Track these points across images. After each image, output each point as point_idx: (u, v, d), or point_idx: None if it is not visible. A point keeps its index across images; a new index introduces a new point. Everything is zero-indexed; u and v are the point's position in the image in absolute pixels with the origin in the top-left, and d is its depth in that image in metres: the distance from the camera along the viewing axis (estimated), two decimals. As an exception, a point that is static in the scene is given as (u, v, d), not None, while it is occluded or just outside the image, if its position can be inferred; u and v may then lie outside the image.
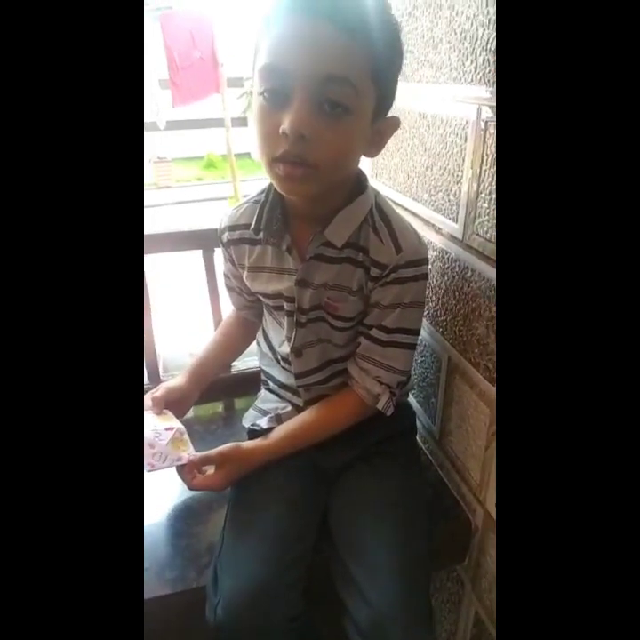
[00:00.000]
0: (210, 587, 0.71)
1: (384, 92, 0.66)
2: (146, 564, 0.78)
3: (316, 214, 0.74)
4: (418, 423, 1.01)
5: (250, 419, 0.93)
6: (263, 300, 0.84)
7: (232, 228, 0.83)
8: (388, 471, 0.82)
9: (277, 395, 0.92)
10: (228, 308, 1.10)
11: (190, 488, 0.78)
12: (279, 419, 0.87)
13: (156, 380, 1.18)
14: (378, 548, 0.70)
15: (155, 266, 1.26)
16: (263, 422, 0.87)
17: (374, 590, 0.66)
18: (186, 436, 0.82)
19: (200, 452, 0.80)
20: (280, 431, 0.82)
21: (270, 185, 0.77)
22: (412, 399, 1.08)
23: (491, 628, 0.88)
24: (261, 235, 0.77)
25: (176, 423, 0.82)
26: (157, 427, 0.80)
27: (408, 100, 0.92)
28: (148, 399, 0.85)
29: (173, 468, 0.78)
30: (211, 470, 0.79)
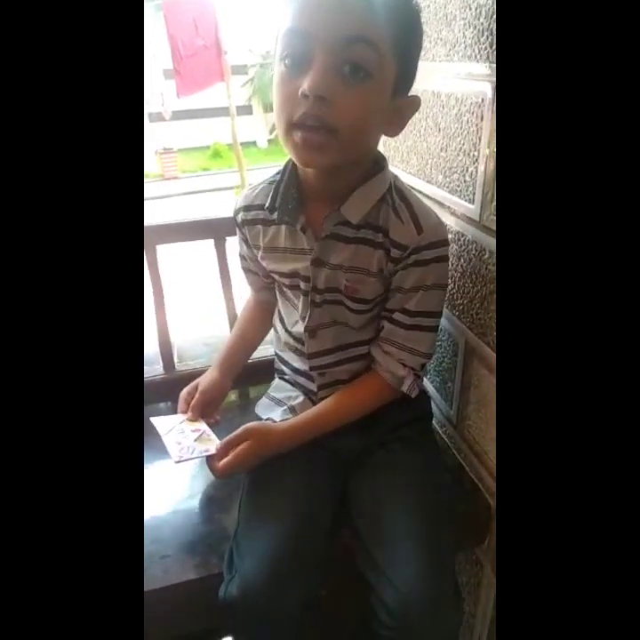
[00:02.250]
0: (225, 566, 0.72)
1: (405, 67, 0.66)
2: (169, 551, 0.79)
3: (332, 192, 0.73)
4: (434, 408, 1.01)
5: (263, 407, 0.93)
6: (279, 279, 0.84)
7: (247, 208, 0.83)
8: (407, 455, 0.81)
9: (291, 383, 0.92)
10: (240, 296, 1.10)
11: (218, 476, 0.78)
12: (293, 410, 0.87)
13: (171, 370, 1.18)
14: (400, 531, 0.70)
15: (167, 256, 1.26)
16: (277, 415, 0.87)
17: (399, 573, 0.66)
18: (213, 435, 0.83)
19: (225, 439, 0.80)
20: (306, 414, 0.82)
21: (287, 163, 0.76)
22: (427, 383, 1.08)
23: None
24: (276, 214, 0.77)
25: (203, 426, 0.85)
26: (185, 430, 0.82)
27: (421, 79, 0.90)
28: (183, 404, 0.88)
29: (196, 461, 0.79)
30: None
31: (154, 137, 9.39)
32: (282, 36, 0.62)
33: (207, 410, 0.89)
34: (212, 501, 0.88)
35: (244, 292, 1.04)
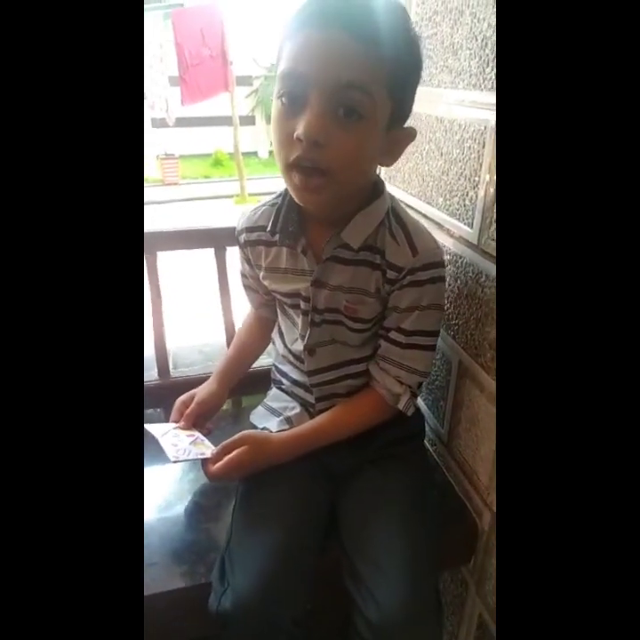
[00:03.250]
0: (216, 577, 0.72)
1: (400, 102, 0.67)
2: (156, 559, 0.79)
3: (332, 219, 0.75)
4: (426, 425, 1.02)
5: (258, 416, 0.94)
6: (280, 298, 0.85)
7: (250, 229, 0.84)
8: (397, 473, 0.82)
9: (288, 394, 0.92)
10: (238, 305, 1.12)
11: (212, 479, 0.79)
12: (289, 421, 0.87)
13: (166, 376, 1.19)
14: (386, 548, 0.71)
15: (166, 263, 1.27)
16: (273, 425, 0.88)
17: (383, 589, 0.67)
18: (207, 441, 0.85)
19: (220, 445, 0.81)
20: (303, 428, 0.83)
21: (286, 190, 0.78)
22: (420, 402, 1.09)
23: (494, 630, 0.88)
24: (277, 237, 0.79)
25: (196, 433, 0.86)
26: (179, 434, 0.84)
27: (425, 104, 0.93)
28: (176, 414, 0.90)
29: (182, 467, 0.80)
30: None
31: (156, 142, 9.44)
32: (279, 76, 0.64)
33: (200, 420, 0.90)
34: (200, 509, 0.88)
35: (242, 302, 1.06)
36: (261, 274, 0.85)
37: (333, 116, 0.61)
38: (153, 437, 0.83)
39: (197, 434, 0.86)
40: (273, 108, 0.67)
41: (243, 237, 0.85)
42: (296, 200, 0.71)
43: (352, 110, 0.62)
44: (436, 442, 1.04)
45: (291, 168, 0.66)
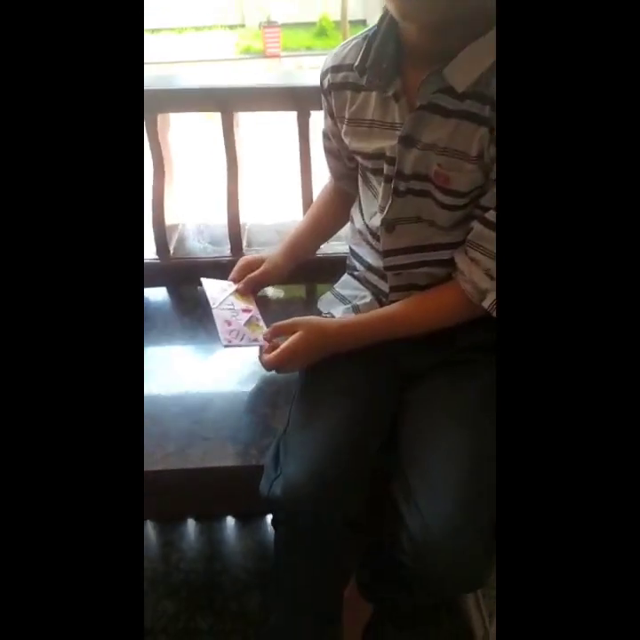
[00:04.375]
0: (269, 462, 0.69)
1: None
2: (210, 434, 0.77)
3: (435, 52, 0.60)
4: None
5: (325, 302, 0.86)
6: (362, 161, 0.74)
7: (336, 68, 0.72)
8: (469, 384, 0.72)
9: (361, 280, 0.83)
10: (320, 181, 1.00)
11: (268, 369, 0.74)
12: (356, 310, 0.79)
13: (239, 254, 1.12)
14: (443, 459, 0.64)
15: (245, 129, 1.16)
16: (338, 312, 0.79)
17: (430, 501, 0.61)
18: (262, 323, 0.78)
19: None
20: (370, 314, 0.75)
21: (383, 15, 0.63)
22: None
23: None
24: (366, 78, 0.66)
25: (254, 308, 0.80)
26: (235, 306, 0.78)
27: None
28: (239, 272, 0.84)
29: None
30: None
31: (258, 9, 8.88)
32: None
33: (257, 289, 0.86)
34: (261, 393, 0.84)
35: (324, 177, 0.94)
36: (343, 129, 0.73)
37: None
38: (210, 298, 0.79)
39: (254, 308, 0.80)
40: None
41: (327, 80, 0.74)
42: (396, 14, 0.56)
43: None
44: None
45: None
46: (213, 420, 0.79)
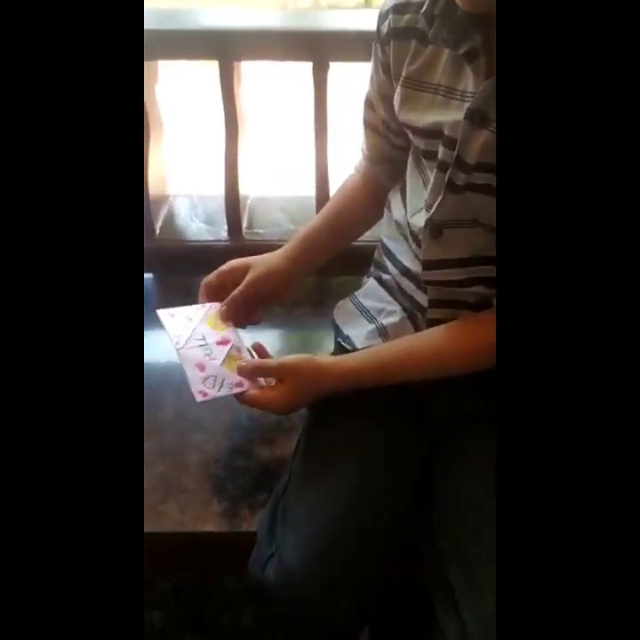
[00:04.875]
0: (263, 530, 0.56)
1: None
2: (190, 484, 0.62)
3: None
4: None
5: (343, 314, 0.68)
6: (413, 138, 0.58)
7: (400, 8, 0.56)
8: None
9: (390, 289, 0.64)
10: (337, 149, 0.80)
11: (240, 401, 0.58)
12: (382, 333, 0.61)
13: (237, 237, 0.95)
14: (488, 554, 0.48)
15: (248, 80, 0.96)
16: (359, 336, 0.62)
17: (474, 604, 0.48)
18: (245, 353, 0.60)
19: (258, 359, 0.59)
20: (389, 350, 0.59)
21: None
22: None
23: None
24: (433, 28, 0.51)
25: (232, 333, 0.61)
26: (208, 339, 0.59)
27: None
28: (206, 292, 0.64)
29: None
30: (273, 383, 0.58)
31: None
32: None
33: (250, 305, 0.65)
34: (254, 428, 0.68)
35: (342, 144, 0.74)
36: (397, 90, 0.57)
37: None
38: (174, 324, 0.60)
39: (232, 335, 0.61)
40: None
41: (388, 23, 0.57)
42: None
43: None
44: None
45: None
46: (194, 465, 0.63)
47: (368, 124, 0.66)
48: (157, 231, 0.95)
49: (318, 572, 0.51)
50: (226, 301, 0.62)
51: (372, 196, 0.69)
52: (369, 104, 0.64)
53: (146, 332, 0.83)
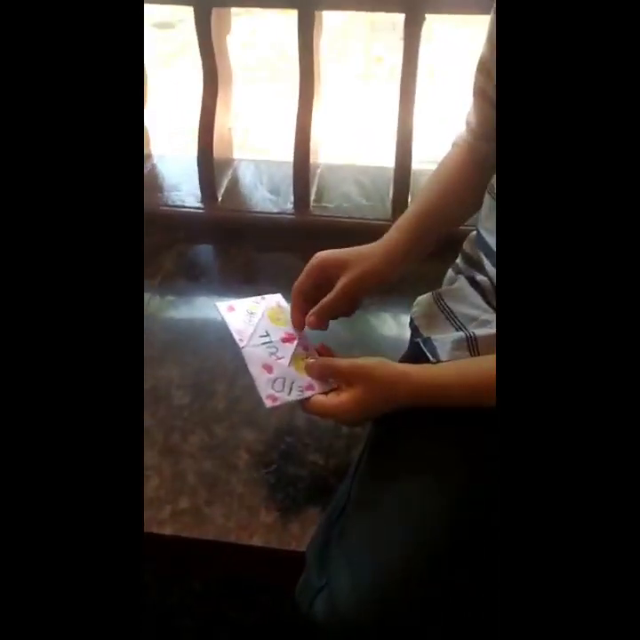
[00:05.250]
0: (313, 556, 0.50)
1: None
2: (240, 489, 0.56)
3: None
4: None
5: (423, 312, 0.59)
6: None
7: None
8: None
9: (485, 291, 0.55)
10: (425, 115, 0.70)
11: (303, 408, 0.51)
12: (472, 346, 0.51)
13: (303, 210, 0.86)
14: None
15: (327, 32, 0.86)
16: (444, 346, 0.52)
17: None
18: (311, 348, 0.53)
19: (327, 358, 0.52)
20: (472, 366, 0.50)
21: None
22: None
23: None
24: None
25: (294, 329, 0.54)
26: (272, 336, 0.52)
27: None
28: (303, 288, 0.55)
29: None
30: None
31: None
32: None
33: (337, 311, 0.56)
34: (310, 430, 0.61)
35: (433, 107, 0.64)
36: None
37: None
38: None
39: (296, 331, 0.54)
40: None
41: None
42: None
43: None
44: None
45: None
46: (240, 468, 0.58)
47: (481, 93, 0.54)
48: (219, 199, 0.89)
49: (376, 620, 0.44)
50: (314, 310, 0.54)
51: (480, 176, 0.57)
52: (483, 69, 0.53)
53: (199, 315, 0.79)
